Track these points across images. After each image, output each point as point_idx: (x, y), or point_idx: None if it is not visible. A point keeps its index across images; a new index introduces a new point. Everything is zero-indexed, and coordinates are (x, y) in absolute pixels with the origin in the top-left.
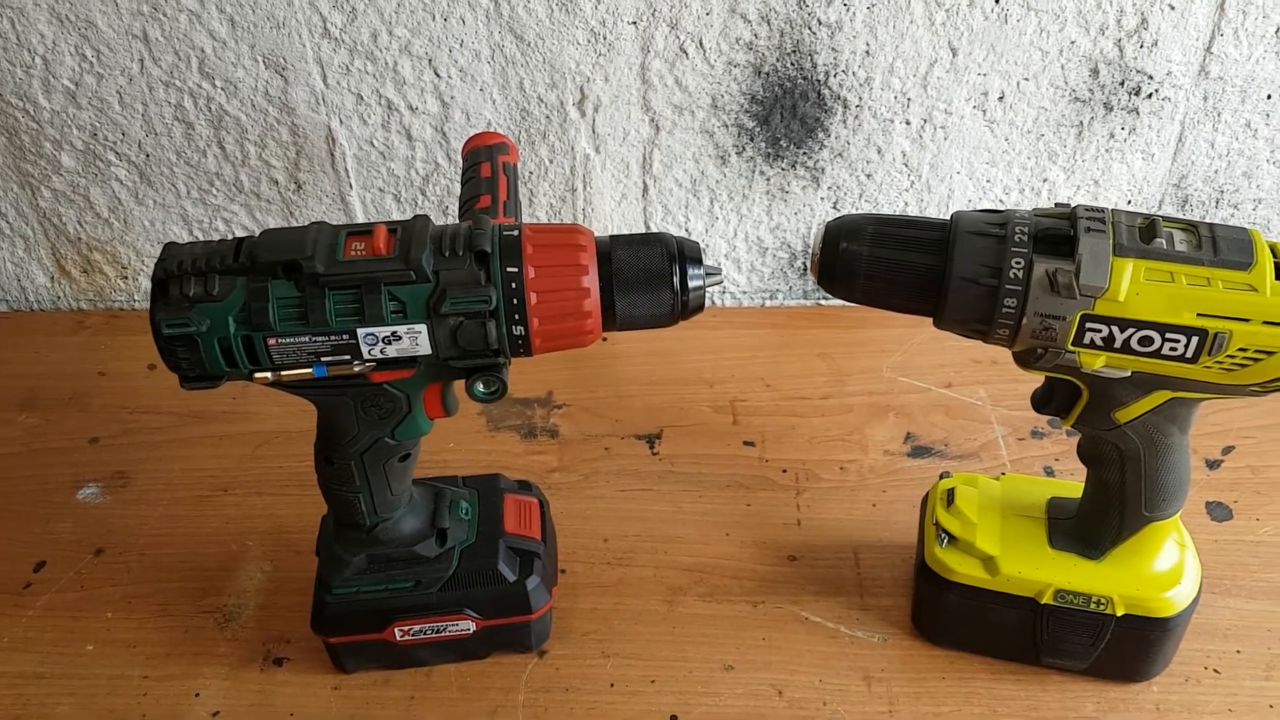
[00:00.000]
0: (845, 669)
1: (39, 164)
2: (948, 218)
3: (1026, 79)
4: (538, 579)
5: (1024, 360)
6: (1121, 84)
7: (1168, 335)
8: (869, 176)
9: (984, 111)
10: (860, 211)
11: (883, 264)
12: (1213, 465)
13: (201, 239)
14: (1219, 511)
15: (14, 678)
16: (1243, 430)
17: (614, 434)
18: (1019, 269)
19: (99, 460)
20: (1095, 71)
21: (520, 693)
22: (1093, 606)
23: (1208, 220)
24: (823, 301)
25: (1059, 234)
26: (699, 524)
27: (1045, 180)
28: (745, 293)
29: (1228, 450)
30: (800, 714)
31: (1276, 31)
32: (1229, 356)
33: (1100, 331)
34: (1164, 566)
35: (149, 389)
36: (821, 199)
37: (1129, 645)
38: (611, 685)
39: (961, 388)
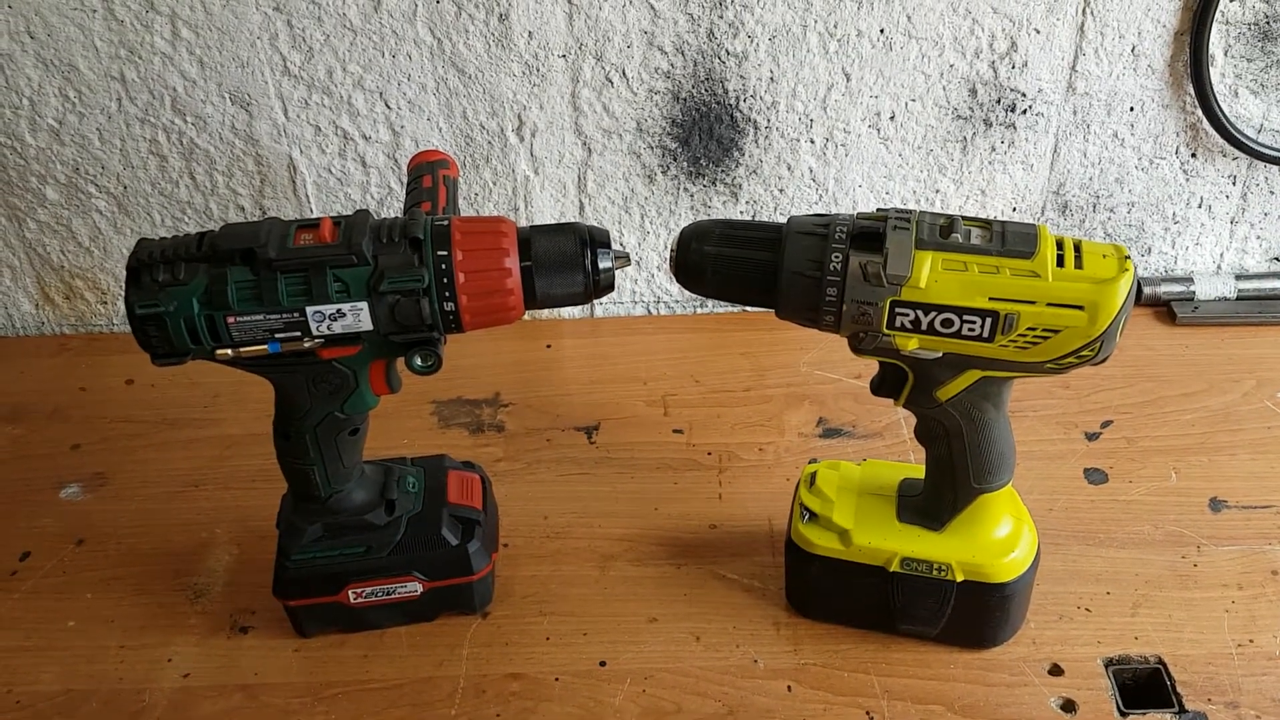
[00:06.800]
0: (757, 617)
1: (25, 197)
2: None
3: (913, 100)
4: (478, 543)
5: (854, 346)
6: (998, 102)
7: (965, 317)
8: (781, 191)
9: (878, 130)
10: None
11: (726, 261)
12: (1092, 437)
13: None
14: (1095, 476)
15: (1, 651)
16: (1121, 408)
17: (555, 427)
18: (838, 262)
19: (80, 464)
20: (974, 91)
21: (465, 648)
22: (934, 573)
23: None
24: (749, 308)
25: (871, 231)
26: (630, 501)
27: (938, 191)
28: (678, 301)
29: (1106, 424)
30: (716, 655)
31: (1132, 50)
32: (1021, 335)
33: (908, 315)
34: (999, 536)
35: (127, 401)
36: (741, 212)
37: (972, 611)
38: (547, 639)
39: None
